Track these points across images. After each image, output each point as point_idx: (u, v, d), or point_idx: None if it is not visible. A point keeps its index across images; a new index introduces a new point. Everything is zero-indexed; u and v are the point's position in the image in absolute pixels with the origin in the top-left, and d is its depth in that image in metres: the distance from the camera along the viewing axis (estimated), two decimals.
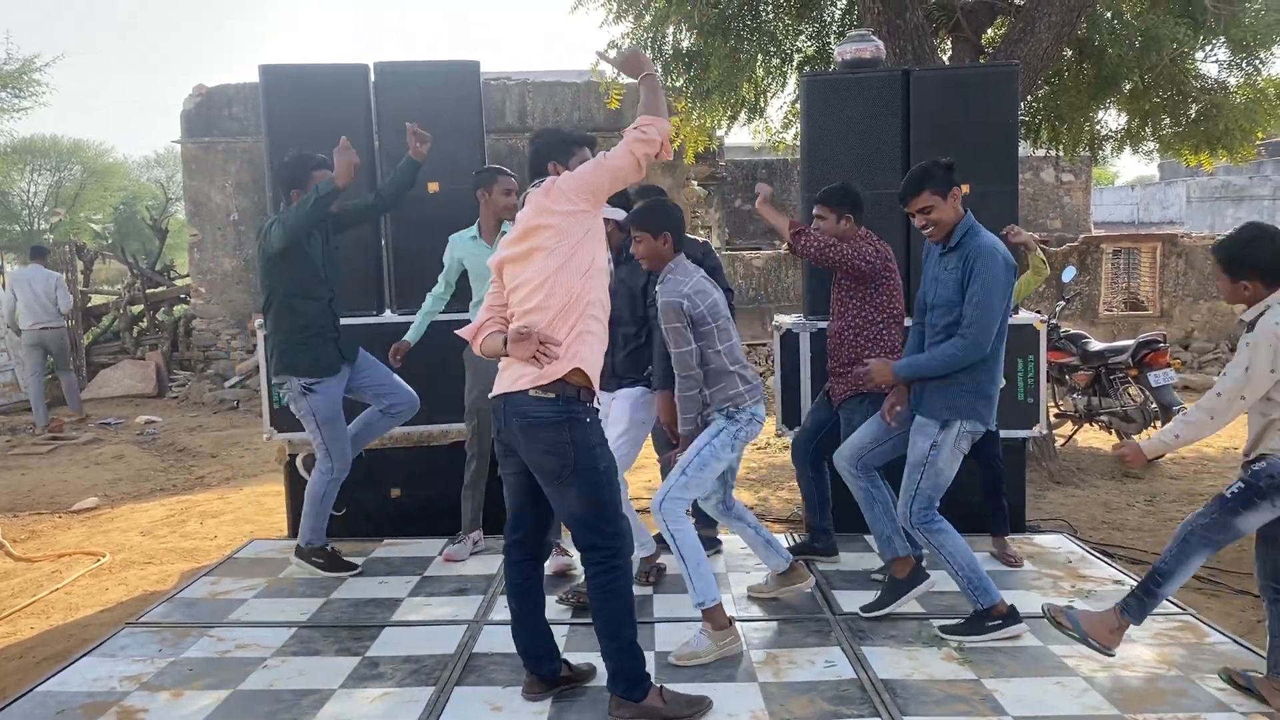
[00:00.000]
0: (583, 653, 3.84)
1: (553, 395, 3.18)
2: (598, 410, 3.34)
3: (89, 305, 15.00)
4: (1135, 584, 3.63)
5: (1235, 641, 3.95)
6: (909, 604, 4.24)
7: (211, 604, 4.59)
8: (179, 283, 15.80)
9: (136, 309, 14.96)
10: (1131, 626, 3.54)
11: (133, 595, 5.29)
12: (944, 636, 3.99)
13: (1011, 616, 3.97)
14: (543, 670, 3.51)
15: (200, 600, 4.64)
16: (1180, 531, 3.45)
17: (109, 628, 4.42)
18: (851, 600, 4.44)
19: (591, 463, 3.21)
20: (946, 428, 3.94)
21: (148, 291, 15.04)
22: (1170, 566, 3.44)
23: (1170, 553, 3.44)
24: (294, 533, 5.65)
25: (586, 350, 3.22)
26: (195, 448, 9.83)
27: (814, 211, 4.61)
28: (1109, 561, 5.08)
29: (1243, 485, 3.35)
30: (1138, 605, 3.52)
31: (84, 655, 3.96)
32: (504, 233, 4.82)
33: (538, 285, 3.21)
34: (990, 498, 4.96)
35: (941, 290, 4.00)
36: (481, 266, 4.64)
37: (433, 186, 5.41)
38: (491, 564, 5.01)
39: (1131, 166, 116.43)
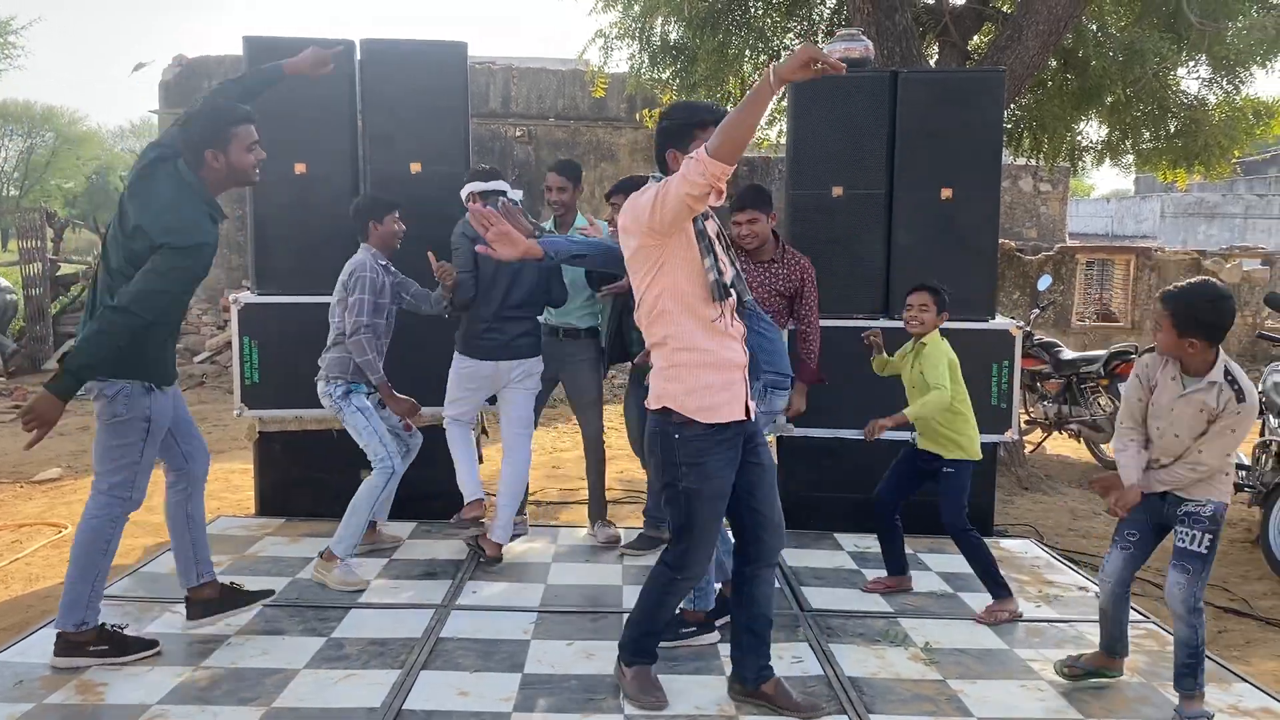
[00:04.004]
0: (551, 640, 3.86)
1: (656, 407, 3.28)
2: (701, 429, 3.19)
3: (58, 274, 14.78)
4: (1185, 668, 3.40)
5: None
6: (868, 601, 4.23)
7: (176, 579, 4.52)
8: None
9: None
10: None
11: None
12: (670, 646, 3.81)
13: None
14: (744, 671, 3.43)
15: (164, 575, 4.58)
16: (1185, 610, 3.35)
17: None
18: (819, 597, 4.46)
19: (671, 478, 3.24)
20: None
21: None
22: (1199, 637, 3.38)
23: (1198, 630, 3.37)
24: (262, 510, 5.62)
25: (676, 386, 3.19)
26: None
27: (744, 218, 4.45)
28: (1074, 568, 5.13)
29: (1211, 537, 3.35)
30: (1195, 679, 3.40)
31: (43, 627, 3.90)
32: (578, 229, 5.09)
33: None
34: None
35: None
36: None
37: (415, 167, 5.37)
38: (462, 549, 4.98)
39: (1108, 179, 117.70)
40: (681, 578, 3.33)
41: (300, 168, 5.39)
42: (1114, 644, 3.66)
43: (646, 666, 3.43)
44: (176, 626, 3.96)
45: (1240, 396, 3.26)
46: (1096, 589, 4.59)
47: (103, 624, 3.62)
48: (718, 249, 3.19)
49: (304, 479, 5.57)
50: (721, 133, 2.83)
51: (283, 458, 5.57)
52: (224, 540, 5.10)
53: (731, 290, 3.20)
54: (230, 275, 13.92)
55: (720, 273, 3.14)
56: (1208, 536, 3.34)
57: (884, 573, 4.67)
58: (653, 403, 3.26)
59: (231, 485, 7.00)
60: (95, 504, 3.58)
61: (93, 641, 3.57)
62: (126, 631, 3.71)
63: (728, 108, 9.11)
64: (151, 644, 3.70)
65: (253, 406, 5.43)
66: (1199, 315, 3.28)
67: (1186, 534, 3.37)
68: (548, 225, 5.12)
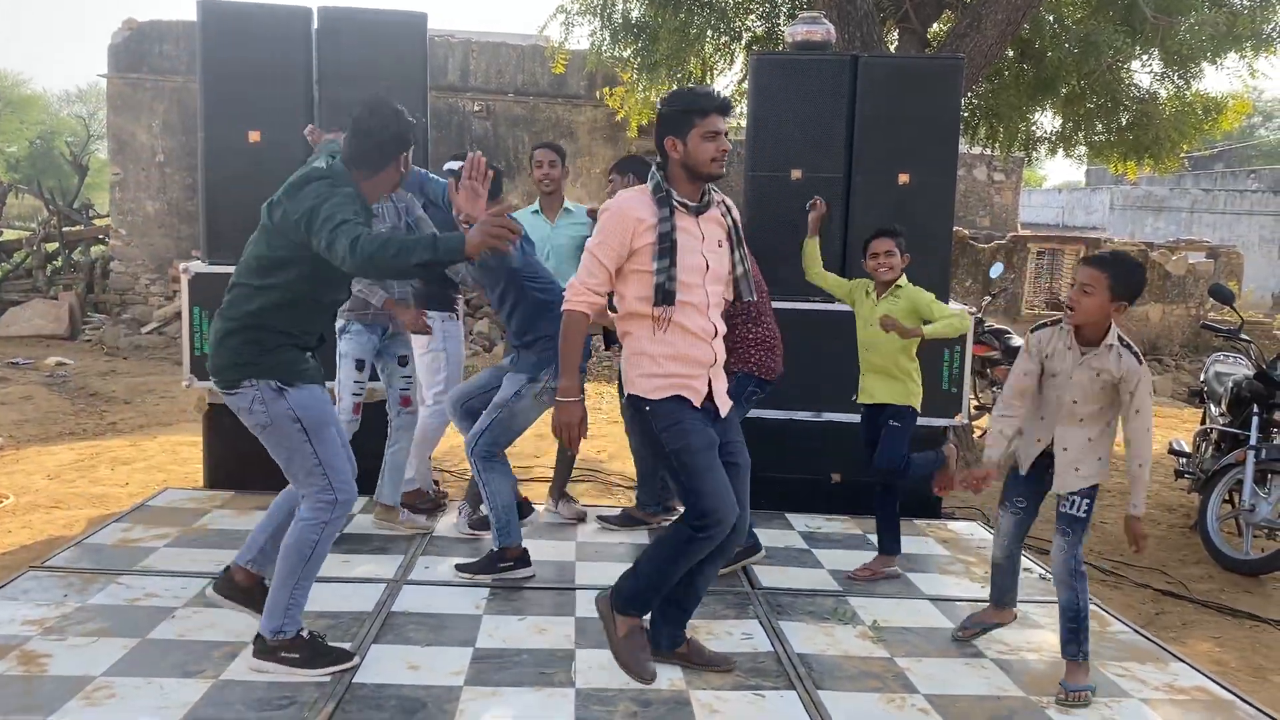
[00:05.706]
0: (503, 615, 3.86)
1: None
2: (672, 402, 3.30)
3: (0, 240, 14.44)
4: (1069, 632, 3.53)
5: (1135, 631, 4.10)
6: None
7: (121, 551, 4.47)
8: (98, 222, 15.29)
9: (51, 247, 14.44)
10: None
11: (37, 539, 5.12)
12: (461, 573, 4.28)
13: (522, 560, 4.29)
14: (660, 638, 3.53)
15: (109, 547, 4.52)
16: (1065, 573, 3.51)
17: (11, 571, 4.28)
18: (770, 576, 4.50)
19: (659, 447, 3.32)
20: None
21: (64, 230, 14.52)
22: (1080, 601, 3.50)
23: (1079, 594, 3.50)
24: (211, 483, 5.55)
25: (637, 374, 3.31)
26: (108, 393, 9.54)
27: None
28: None
29: (1089, 501, 3.52)
30: (1079, 645, 3.51)
31: None
32: (567, 209, 5.24)
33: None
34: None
35: None
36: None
37: None
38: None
39: (1060, 171, 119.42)
40: (703, 535, 3.26)
41: (254, 136, 5.31)
42: (1003, 595, 3.87)
43: (639, 621, 3.44)
44: (121, 598, 3.90)
45: (1138, 359, 3.40)
46: (1041, 571, 4.72)
47: (300, 632, 3.38)
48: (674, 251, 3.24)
49: (253, 452, 5.36)
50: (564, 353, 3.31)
51: (232, 430, 5.39)
52: (171, 513, 5.04)
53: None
54: (180, 245, 13.69)
55: (670, 277, 3.19)
56: (1086, 501, 3.52)
57: (843, 554, 4.77)
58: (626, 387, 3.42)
59: (179, 457, 6.90)
60: (303, 508, 3.38)
61: (285, 648, 3.36)
62: (328, 641, 3.49)
63: (689, 83, 9.04)
64: (348, 656, 3.44)
65: (202, 378, 5.34)
66: (1134, 281, 3.40)
67: (1068, 499, 3.54)
68: (534, 207, 5.29)
